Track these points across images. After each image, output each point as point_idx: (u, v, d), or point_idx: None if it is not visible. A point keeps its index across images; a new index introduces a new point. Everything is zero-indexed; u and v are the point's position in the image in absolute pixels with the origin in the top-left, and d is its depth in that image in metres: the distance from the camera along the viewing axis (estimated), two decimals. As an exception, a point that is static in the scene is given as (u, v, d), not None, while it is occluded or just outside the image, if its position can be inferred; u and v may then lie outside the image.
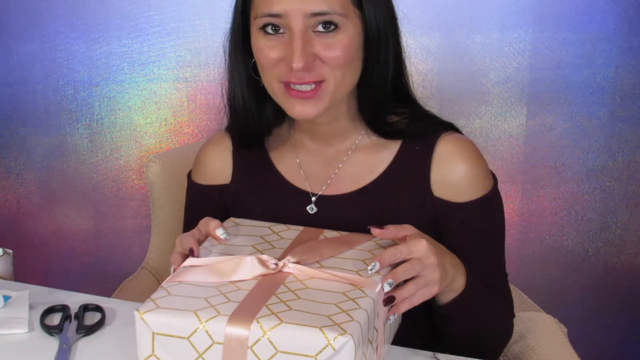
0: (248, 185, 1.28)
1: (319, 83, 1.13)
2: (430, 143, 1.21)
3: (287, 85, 1.13)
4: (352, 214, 1.21)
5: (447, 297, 1.10)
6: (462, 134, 1.25)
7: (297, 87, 1.13)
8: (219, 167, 1.31)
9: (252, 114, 1.23)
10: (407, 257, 1.00)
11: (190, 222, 1.32)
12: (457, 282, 1.09)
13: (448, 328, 1.17)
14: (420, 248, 1.01)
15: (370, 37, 1.14)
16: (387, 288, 0.97)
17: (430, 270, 1.01)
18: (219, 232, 1.07)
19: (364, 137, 1.24)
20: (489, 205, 1.21)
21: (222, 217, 1.22)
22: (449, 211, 1.19)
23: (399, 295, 0.99)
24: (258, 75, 1.18)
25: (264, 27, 1.12)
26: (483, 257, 1.20)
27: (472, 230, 1.20)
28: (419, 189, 1.20)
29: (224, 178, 1.31)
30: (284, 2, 1.09)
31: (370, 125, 1.22)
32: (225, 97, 1.24)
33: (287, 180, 1.26)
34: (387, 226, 1.04)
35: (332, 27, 1.11)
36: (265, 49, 1.13)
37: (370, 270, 0.98)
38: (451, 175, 1.19)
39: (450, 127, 1.24)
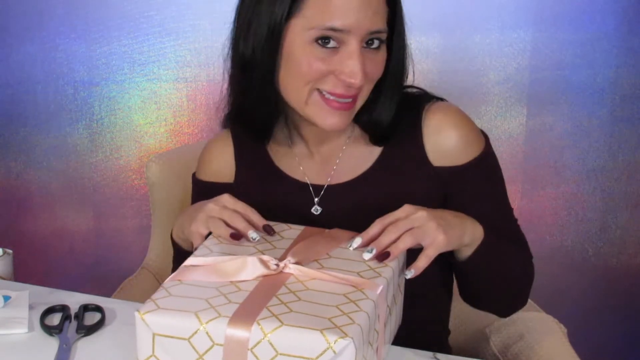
0: (251, 185, 1.29)
1: (355, 96, 1.14)
2: (416, 118, 1.22)
3: (323, 95, 1.12)
4: (355, 204, 1.22)
5: (471, 248, 1.13)
6: (443, 100, 1.25)
7: (340, 99, 1.12)
8: (222, 166, 1.31)
9: (253, 117, 1.22)
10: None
11: None
12: (477, 230, 1.12)
13: (474, 284, 1.21)
14: (402, 210, 1.06)
15: (392, 66, 1.17)
16: (367, 256, 1.02)
17: (421, 220, 1.05)
18: (251, 235, 1.08)
19: (355, 129, 1.25)
20: (488, 161, 1.24)
21: None
22: (453, 176, 1.21)
23: (394, 247, 1.03)
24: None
25: (318, 39, 1.09)
26: (495, 212, 1.22)
27: (480, 189, 1.22)
28: (418, 164, 1.21)
29: (227, 177, 1.31)
30: (350, 18, 1.07)
31: (367, 132, 1.23)
32: (226, 99, 1.23)
33: (289, 177, 1.27)
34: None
35: (378, 44, 1.12)
36: (317, 61, 1.09)
37: (350, 247, 1.05)
38: (445, 144, 1.20)
39: (430, 98, 1.24)
